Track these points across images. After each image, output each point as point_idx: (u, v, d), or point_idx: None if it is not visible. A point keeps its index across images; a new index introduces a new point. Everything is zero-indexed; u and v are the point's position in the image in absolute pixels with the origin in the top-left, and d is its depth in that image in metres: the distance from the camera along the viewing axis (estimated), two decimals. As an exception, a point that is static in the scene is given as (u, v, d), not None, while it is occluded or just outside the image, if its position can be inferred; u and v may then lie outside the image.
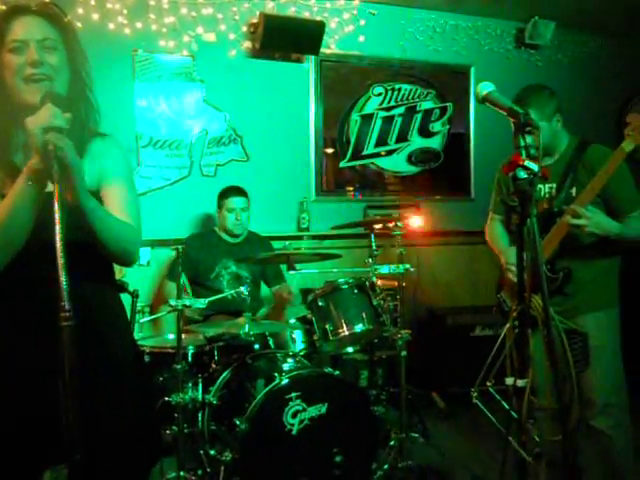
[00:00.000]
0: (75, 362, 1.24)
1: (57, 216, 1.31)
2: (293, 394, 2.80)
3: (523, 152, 1.60)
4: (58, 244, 1.28)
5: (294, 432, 2.79)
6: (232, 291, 3.17)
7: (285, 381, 2.83)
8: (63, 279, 1.27)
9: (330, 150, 4.96)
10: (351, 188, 5.04)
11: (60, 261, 1.27)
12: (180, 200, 4.44)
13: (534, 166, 1.58)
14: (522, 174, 1.58)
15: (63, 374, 1.25)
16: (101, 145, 1.73)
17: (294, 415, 2.79)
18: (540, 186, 2.70)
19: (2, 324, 1.57)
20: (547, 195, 2.70)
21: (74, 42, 1.68)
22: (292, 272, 3.15)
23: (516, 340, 1.78)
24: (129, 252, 1.68)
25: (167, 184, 4.44)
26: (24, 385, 1.54)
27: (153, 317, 3.19)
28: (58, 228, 1.30)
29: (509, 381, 1.69)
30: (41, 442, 1.53)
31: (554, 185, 2.69)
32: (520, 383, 1.64)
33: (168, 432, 3.05)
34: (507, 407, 1.76)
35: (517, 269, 1.64)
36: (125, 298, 3.16)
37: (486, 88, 1.76)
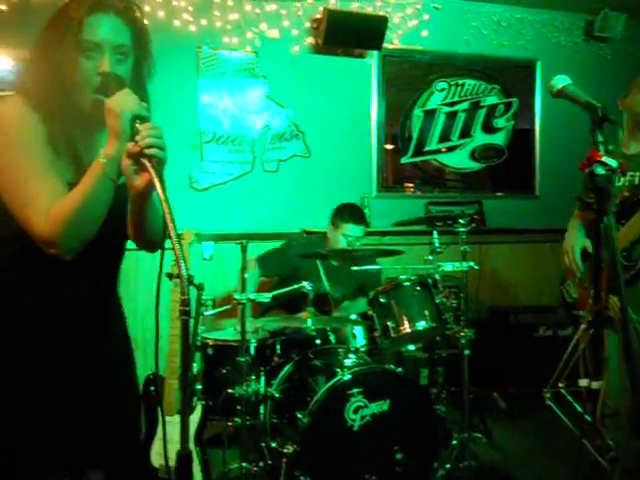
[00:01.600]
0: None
1: (166, 208, 1.29)
2: (355, 390, 2.80)
3: (601, 147, 1.55)
4: (173, 236, 1.27)
5: (355, 428, 2.78)
6: (295, 286, 3.17)
7: (347, 377, 2.82)
8: (184, 272, 1.25)
9: (391, 146, 4.93)
10: (411, 184, 5.00)
11: (178, 253, 1.25)
12: (243, 195, 4.49)
13: (613, 162, 1.53)
14: (600, 170, 1.53)
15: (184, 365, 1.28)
16: None
17: (355, 411, 2.79)
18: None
19: (54, 309, 1.55)
20: (627, 183, 2.65)
21: (145, 48, 1.58)
22: (355, 269, 3.14)
23: (590, 341, 1.73)
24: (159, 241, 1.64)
25: (230, 179, 4.49)
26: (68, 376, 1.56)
27: (217, 310, 3.23)
28: (169, 219, 1.28)
29: (583, 383, 1.64)
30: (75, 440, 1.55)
31: (637, 174, 2.64)
32: (594, 385, 1.59)
33: (230, 424, 3.09)
34: (580, 410, 1.71)
35: (594, 269, 1.59)
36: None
37: (561, 81, 1.72)
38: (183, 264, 1.28)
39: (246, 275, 2.95)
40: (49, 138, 1.46)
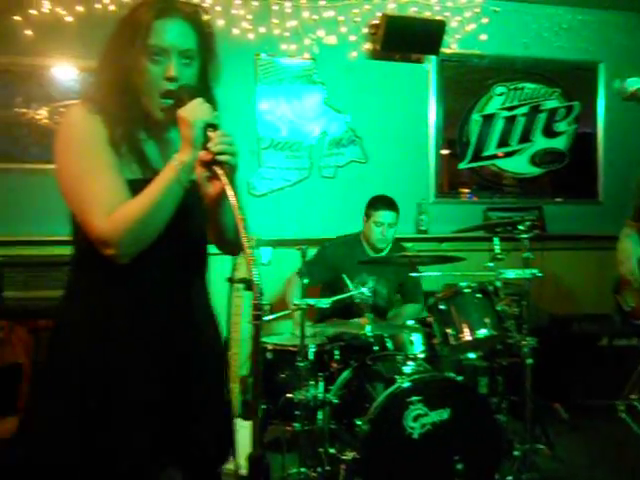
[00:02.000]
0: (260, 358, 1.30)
1: (238, 215, 1.31)
2: (414, 398, 2.77)
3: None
4: (245, 241, 1.29)
5: (415, 436, 2.75)
6: (354, 292, 3.17)
7: (407, 384, 2.80)
8: (256, 278, 1.27)
9: (448, 151, 4.88)
10: (467, 190, 4.94)
11: (250, 257, 1.28)
12: (300, 201, 4.52)
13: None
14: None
15: (252, 368, 1.29)
16: None
17: (415, 419, 2.76)
18: None
19: (130, 309, 1.54)
20: None
21: (211, 52, 1.61)
22: (414, 275, 3.12)
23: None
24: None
25: (287, 185, 4.52)
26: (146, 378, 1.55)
27: (276, 315, 3.25)
28: (241, 225, 1.31)
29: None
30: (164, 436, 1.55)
31: None
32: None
33: (289, 428, 3.10)
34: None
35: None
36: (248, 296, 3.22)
37: (635, 84, 1.67)
38: (255, 270, 1.29)
39: (292, 289, 2.98)
40: (111, 141, 1.49)
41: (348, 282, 3.33)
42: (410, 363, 3.05)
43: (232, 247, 1.69)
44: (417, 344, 3.30)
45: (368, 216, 3.79)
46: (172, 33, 1.49)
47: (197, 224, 1.61)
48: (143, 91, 1.51)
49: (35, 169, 4.09)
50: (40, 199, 4.02)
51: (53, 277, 3.37)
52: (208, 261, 1.71)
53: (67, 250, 3.86)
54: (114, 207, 1.43)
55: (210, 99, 1.56)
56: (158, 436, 1.52)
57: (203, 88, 1.58)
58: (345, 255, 3.75)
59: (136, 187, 1.47)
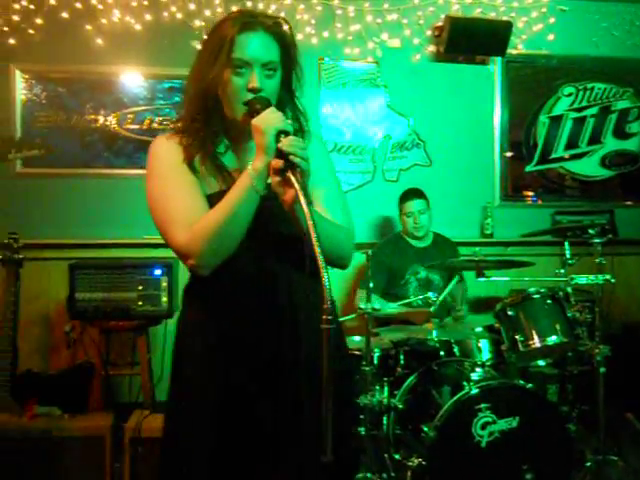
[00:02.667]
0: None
1: (310, 223, 1.33)
2: (483, 405, 2.73)
3: None
4: (316, 250, 1.30)
5: (483, 444, 2.71)
6: (421, 296, 3.14)
7: (474, 391, 2.76)
8: (326, 283, 1.28)
9: (513, 153, 4.79)
10: (531, 193, 4.83)
11: (321, 264, 1.28)
12: (364, 205, 4.50)
13: None
14: None
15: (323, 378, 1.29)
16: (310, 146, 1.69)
17: (483, 427, 2.72)
18: None
19: (228, 320, 1.60)
20: None
21: (293, 61, 1.65)
22: (481, 279, 3.07)
23: None
24: (343, 257, 1.69)
25: (351, 189, 4.52)
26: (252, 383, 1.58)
27: (342, 319, 3.24)
28: (314, 236, 1.32)
29: None
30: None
31: None
32: None
33: (352, 432, 3.09)
34: None
35: None
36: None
37: None
38: (325, 275, 1.30)
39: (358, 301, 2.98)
40: (190, 164, 1.59)
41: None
42: (478, 369, 3.00)
43: (334, 260, 1.66)
44: (484, 350, 3.26)
45: (400, 211, 3.97)
46: (254, 46, 1.56)
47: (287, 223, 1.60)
48: (226, 102, 1.59)
49: (105, 174, 4.23)
50: (109, 203, 4.16)
51: (122, 279, 3.46)
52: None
53: (135, 253, 3.96)
54: (194, 221, 1.51)
55: (294, 107, 1.67)
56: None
57: (286, 97, 1.66)
58: (393, 252, 3.90)
59: (217, 200, 1.54)
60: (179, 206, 1.55)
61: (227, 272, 1.55)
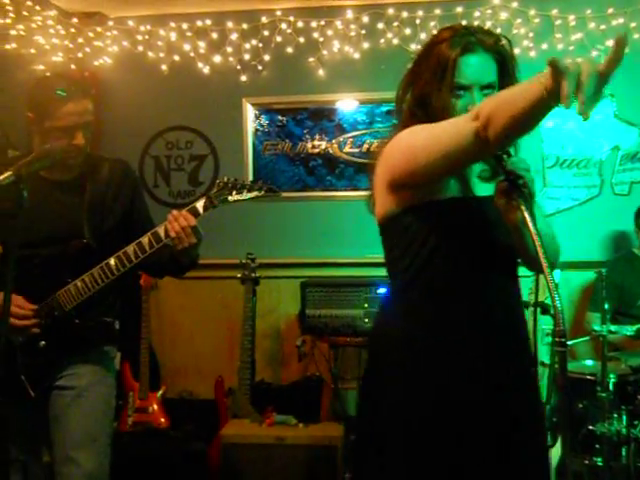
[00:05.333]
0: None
1: (537, 242, 1.31)
2: None
3: None
4: (546, 269, 1.28)
5: None
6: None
7: None
8: (557, 303, 1.27)
9: None
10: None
11: (551, 284, 1.27)
12: (590, 220, 4.26)
13: None
14: None
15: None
16: None
17: None
18: None
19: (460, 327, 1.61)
20: None
21: (512, 77, 1.60)
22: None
23: None
24: (557, 261, 1.72)
25: (576, 204, 4.31)
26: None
27: (574, 342, 3.10)
28: (541, 252, 1.30)
29: None
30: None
31: None
32: None
33: (587, 462, 2.94)
34: None
35: None
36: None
37: None
38: (556, 295, 1.28)
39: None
40: None
41: None
42: None
43: (536, 264, 1.63)
44: None
45: (637, 226, 3.74)
46: (474, 69, 1.55)
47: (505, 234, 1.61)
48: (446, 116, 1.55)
49: (330, 196, 4.50)
50: (333, 224, 4.38)
51: (348, 297, 3.64)
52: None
53: (358, 271, 4.10)
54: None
55: None
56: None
57: None
58: (625, 271, 3.67)
59: (459, 205, 1.59)
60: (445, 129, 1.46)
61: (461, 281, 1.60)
